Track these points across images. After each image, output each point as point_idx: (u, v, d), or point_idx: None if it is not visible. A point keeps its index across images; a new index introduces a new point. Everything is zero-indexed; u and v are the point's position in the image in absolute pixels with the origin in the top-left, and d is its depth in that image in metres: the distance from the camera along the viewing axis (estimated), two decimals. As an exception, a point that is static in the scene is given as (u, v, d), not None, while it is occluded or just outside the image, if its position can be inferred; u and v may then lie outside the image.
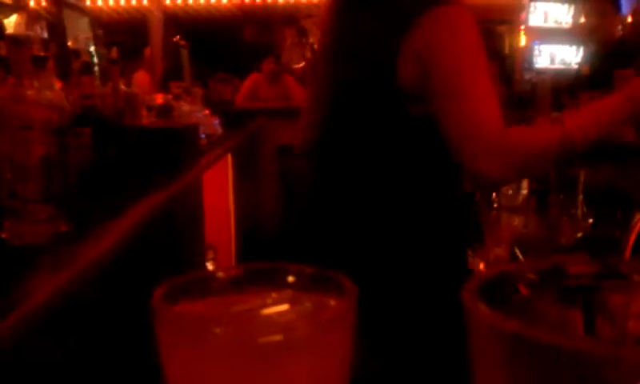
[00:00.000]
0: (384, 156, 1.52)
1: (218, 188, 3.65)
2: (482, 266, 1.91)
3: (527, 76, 7.04)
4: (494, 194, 1.96)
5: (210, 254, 3.20)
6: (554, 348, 0.27)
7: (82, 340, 1.21)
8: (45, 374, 1.03)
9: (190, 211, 2.85)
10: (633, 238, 1.26)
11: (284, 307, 0.41)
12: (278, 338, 0.36)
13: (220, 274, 0.44)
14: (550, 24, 7.53)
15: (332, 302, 0.39)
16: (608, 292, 0.41)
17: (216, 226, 3.27)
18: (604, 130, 1.47)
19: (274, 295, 0.42)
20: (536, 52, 7.62)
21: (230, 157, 3.72)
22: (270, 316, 0.41)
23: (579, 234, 1.92)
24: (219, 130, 3.84)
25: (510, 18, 8.07)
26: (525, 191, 2.28)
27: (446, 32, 1.43)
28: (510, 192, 2.09)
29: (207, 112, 3.90)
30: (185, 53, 6.18)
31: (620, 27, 3.68)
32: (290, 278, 0.43)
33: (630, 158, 2.27)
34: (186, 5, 7.98)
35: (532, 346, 0.27)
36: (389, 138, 1.50)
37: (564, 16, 7.46)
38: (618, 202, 2.04)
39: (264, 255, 0.54)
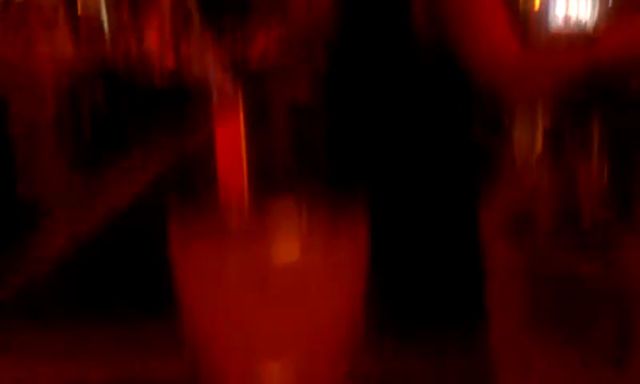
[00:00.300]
0: (394, 96, 1.52)
1: (231, 140, 3.68)
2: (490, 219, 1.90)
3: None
4: (503, 135, 1.96)
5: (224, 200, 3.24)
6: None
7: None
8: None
9: (203, 165, 2.87)
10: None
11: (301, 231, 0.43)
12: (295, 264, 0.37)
13: (240, 213, 0.46)
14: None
15: (347, 225, 0.41)
16: (619, 238, 0.42)
17: (229, 176, 3.29)
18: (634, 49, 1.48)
19: (291, 221, 0.44)
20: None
21: (241, 112, 3.75)
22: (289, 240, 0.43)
23: (597, 182, 1.89)
24: (232, 88, 3.85)
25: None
26: (538, 131, 2.26)
27: None
28: (522, 133, 2.08)
29: (219, 70, 3.90)
30: (195, 14, 6.13)
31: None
32: (307, 191, 0.44)
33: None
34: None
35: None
36: (401, 74, 1.51)
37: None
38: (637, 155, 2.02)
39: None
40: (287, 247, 0.43)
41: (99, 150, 1.80)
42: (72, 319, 1.20)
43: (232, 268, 0.37)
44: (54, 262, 1.07)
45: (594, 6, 1.76)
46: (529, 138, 2.08)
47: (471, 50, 1.47)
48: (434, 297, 1.53)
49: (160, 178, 1.70)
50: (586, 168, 1.78)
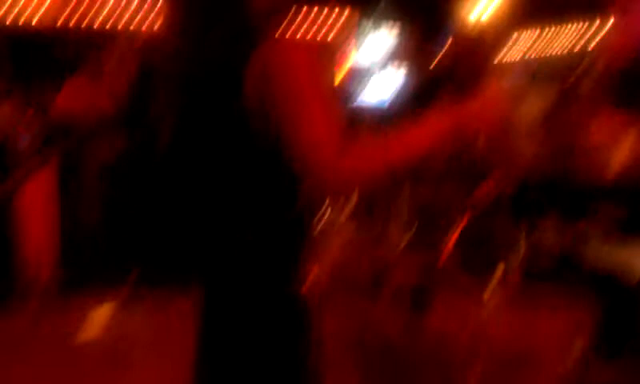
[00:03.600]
0: (228, 171, 1.54)
1: (40, 200, 3.45)
2: (315, 269, 1.97)
3: (347, 106, 7.32)
4: (326, 201, 2.05)
5: (30, 269, 3.02)
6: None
7: None
8: None
9: (5, 225, 2.67)
10: (452, 244, 1.39)
11: (120, 308, 0.42)
12: (110, 348, 0.36)
13: (49, 283, 0.44)
14: (372, 51, 7.86)
15: (174, 304, 0.41)
16: (432, 292, 0.47)
17: (37, 241, 3.08)
18: (425, 150, 1.57)
19: (109, 298, 0.42)
20: (356, 84, 7.88)
21: (52, 167, 3.54)
22: (103, 316, 0.41)
23: (404, 242, 2.05)
24: (41, 140, 3.64)
25: (333, 42, 8.33)
26: (354, 200, 2.40)
27: (282, 63, 1.48)
28: (341, 201, 2.19)
29: (28, 119, 3.68)
30: (4, 59, 5.77)
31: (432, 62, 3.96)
32: (128, 279, 0.43)
33: (446, 173, 2.46)
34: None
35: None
36: (234, 156, 1.52)
37: (385, 44, 7.84)
38: (438, 213, 2.21)
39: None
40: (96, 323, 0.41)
41: None
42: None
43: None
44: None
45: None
46: (342, 213, 2.18)
47: (291, 143, 1.51)
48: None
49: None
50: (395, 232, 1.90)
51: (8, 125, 3.39)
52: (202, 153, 1.62)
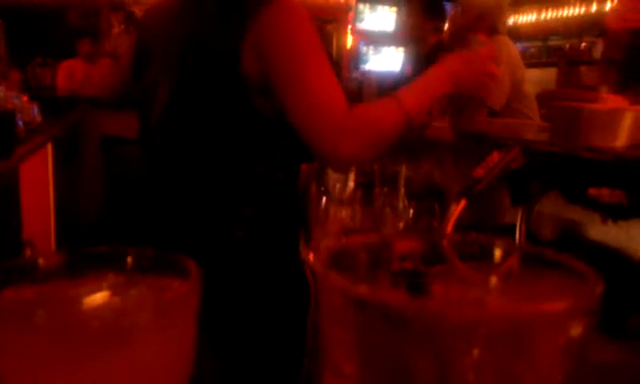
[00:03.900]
0: (225, 147, 1.53)
1: (37, 180, 3.43)
2: (311, 255, 1.97)
3: (354, 75, 7.33)
4: (322, 188, 2.03)
5: (28, 251, 3.00)
6: (397, 311, 0.29)
7: None
8: None
9: (4, 205, 2.66)
10: (449, 227, 1.37)
11: (120, 290, 0.40)
12: (111, 322, 0.34)
13: (48, 260, 0.42)
14: (376, 26, 7.89)
15: (174, 285, 0.39)
16: (429, 276, 0.44)
17: (35, 221, 3.07)
18: (431, 100, 1.58)
19: (110, 278, 0.40)
20: (362, 52, 7.95)
21: (50, 147, 3.51)
22: (104, 300, 0.40)
23: (401, 225, 2.04)
24: (39, 118, 3.61)
25: (338, 17, 8.35)
26: (351, 184, 2.38)
27: (284, 25, 1.47)
28: (338, 185, 2.17)
29: (25, 98, 3.65)
30: (0, 36, 5.72)
31: (438, 33, 3.94)
32: (128, 262, 0.41)
33: (444, 155, 2.44)
34: (1, -16, 7.39)
35: (377, 309, 0.29)
36: (231, 129, 1.52)
37: (388, 19, 7.84)
38: (435, 195, 2.19)
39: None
40: (103, 293, 0.40)
41: None
42: None
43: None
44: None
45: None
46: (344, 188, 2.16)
47: (296, 108, 1.49)
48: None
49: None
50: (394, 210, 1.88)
51: (9, 102, 3.36)
52: (200, 129, 1.61)
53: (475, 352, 0.29)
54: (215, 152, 1.55)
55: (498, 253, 0.42)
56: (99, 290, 0.40)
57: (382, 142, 1.51)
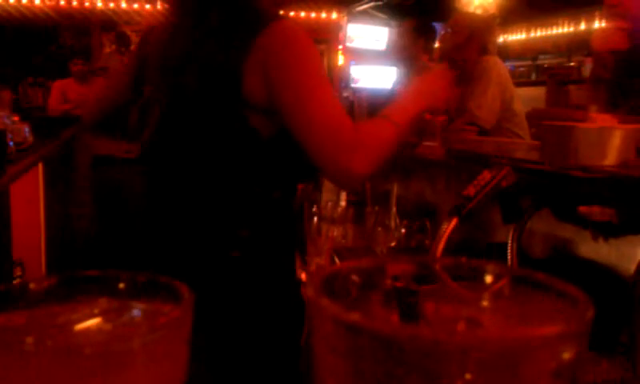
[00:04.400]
0: (222, 167, 1.53)
1: (28, 200, 3.42)
2: (303, 275, 1.97)
3: (345, 94, 7.36)
4: (314, 207, 2.03)
5: (18, 271, 2.98)
6: (389, 337, 0.29)
7: None
8: None
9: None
10: (441, 245, 1.37)
11: (111, 315, 0.39)
12: (102, 347, 0.34)
13: (39, 284, 0.42)
14: (366, 46, 7.93)
15: (166, 309, 0.38)
16: (421, 296, 0.44)
17: (25, 241, 3.05)
18: (414, 116, 1.64)
19: (101, 303, 0.40)
20: (353, 71, 7.98)
21: (41, 167, 3.50)
22: (95, 325, 0.39)
23: (393, 243, 2.04)
24: (30, 138, 3.60)
25: (329, 37, 8.40)
26: (343, 203, 2.39)
27: (289, 45, 1.50)
28: (330, 204, 2.17)
29: (16, 118, 3.65)
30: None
31: (429, 52, 3.97)
32: (120, 286, 0.41)
33: (435, 174, 2.45)
34: (-8, 3, 7.40)
35: (369, 334, 0.29)
36: (228, 149, 1.53)
37: (379, 38, 7.88)
38: (427, 213, 2.19)
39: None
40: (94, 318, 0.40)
41: None
42: None
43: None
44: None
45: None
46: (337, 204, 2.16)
47: (302, 128, 1.51)
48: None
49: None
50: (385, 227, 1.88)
51: (0, 122, 3.35)
52: (196, 148, 1.60)
53: (467, 377, 0.29)
54: (212, 172, 1.55)
55: (489, 275, 0.42)
56: (90, 315, 0.40)
57: (384, 157, 1.56)
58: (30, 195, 3.37)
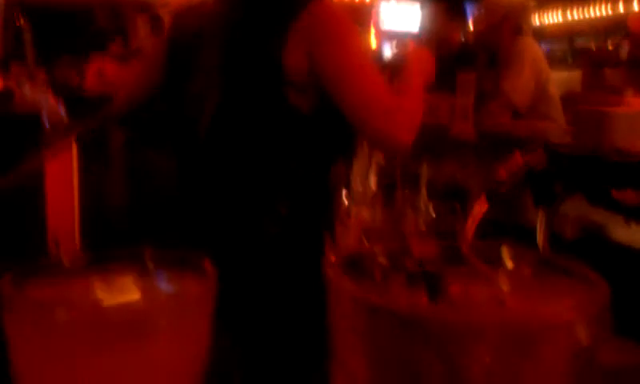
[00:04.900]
0: (263, 144, 1.57)
1: (62, 179, 3.47)
2: (332, 257, 1.97)
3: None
4: (344, 189, 2.04)
5: (54, 248, 3.05)
6: (407, 317, 0.29)
7: None
8: None
9: (30, 204, 2.70)
10: (472, 229, 1.36)
11: (137, 289, 0.41)
12: (129, 319, 0.35)
13: (71, 259, 0.43)
14: (400, 28, 7.88)
15: (191, 285, 0.39)
16: (447, 278, 0.44)
17: (60, 221, 3.11)
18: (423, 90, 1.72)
19: (128, 279, 0.41)
20: (386, 53, 7.94)
21: (75, 147, 3.56)
22: (124, 298, 0.40)
23: (422, 227, 2.03)
24: (65, 118, 3.66)
25: (362, 19, 8.35)
26: (373, 186, 2.38)
27: (327, 24, 1.55)
28: (360, 188, 2.17)
29: (51, 97, 3.70)
30: (27, 34, 5.79)
31: (462, 33, 3.93)
32: (147, 260, 0.42)
33: (467, 156, 2.43)
34: (29, -16, 7.48)
35: (387, 315, 0.29)
36: (269, 127, 1.56)
37: (412, 21, 7.81)
38: (457, 195, 2.18)
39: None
40: (123, 292, 0.41)
41: None
42: None
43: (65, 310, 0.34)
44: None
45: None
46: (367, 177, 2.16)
47: (347, 104, 1.56)
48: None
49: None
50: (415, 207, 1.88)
51: (35, 101, 3.41)
52: (242, 129, 1.63)
53: (484, 356, 0.29)
54: (253, 149, 1.58)
55: (515, 258, 0.42)
56: (118, 289, 0.41)
57: (418, 126, 1.63)
58: (65, 175, 3.43)
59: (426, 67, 1.78)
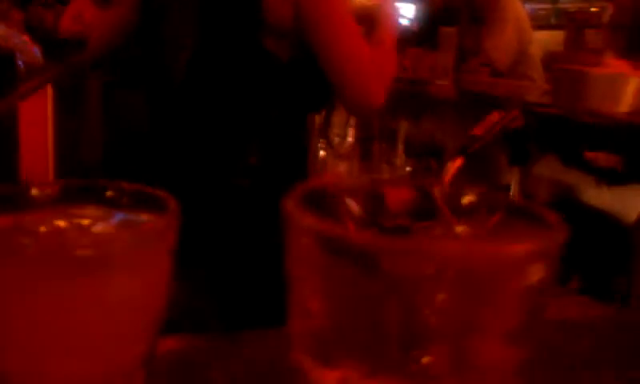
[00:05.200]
0: (236, 91, 1.54)
1: (37, 122, 3.42)
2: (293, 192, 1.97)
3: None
4: (321, 141, 2.04)
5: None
6: (361, 248, 0.30)
7: None
8: None
9: (3, 143, 2.66)
10: (446, 184, 1.37)
11: (98, 222, 0.40)
12: (87, 251, 0.35)
13: (33, 190, 0.43)
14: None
15: (150, 219, 0.39)
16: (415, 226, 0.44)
17: (33, 162, 3.08)
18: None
19: (89, 210, 0.41)
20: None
21: (50, 89, 3.50)
22: (81, 230, 0.40)
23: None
24: (40, 60, 3.58)
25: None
26: (350, 139, 2.39)
27: None
28: (337, 139, 2.18)
29: (26, 38, 3.62)
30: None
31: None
32: (108, 194, 0.42)
33: (445, 113, 2.44)
34: None
35: (342, 247, 0.29)
36: (244, 73, 1.53)
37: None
38: (435, 153, 2.19)
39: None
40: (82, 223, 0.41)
41: None
42: None
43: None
44: None
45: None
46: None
47: (326, 57, 1.55)
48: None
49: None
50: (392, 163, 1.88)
51: (9, 42, 3.34)
52: (217, 74, 1.60)
53: (437, 292, 0.30)
54: (226, 95, 1.55)
55: (485, 206, 0.42)
56: (77, 220, 0.41)
57: (391, 82, 1.62)
58: (39, 118, 3.38)
59: (395, 20, 1.78)
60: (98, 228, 0.40)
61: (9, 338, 0.38)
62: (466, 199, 0.45)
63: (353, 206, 0.44)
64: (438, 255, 0.30)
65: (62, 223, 0.40)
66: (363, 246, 0.30)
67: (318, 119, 2.27)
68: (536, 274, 0.30)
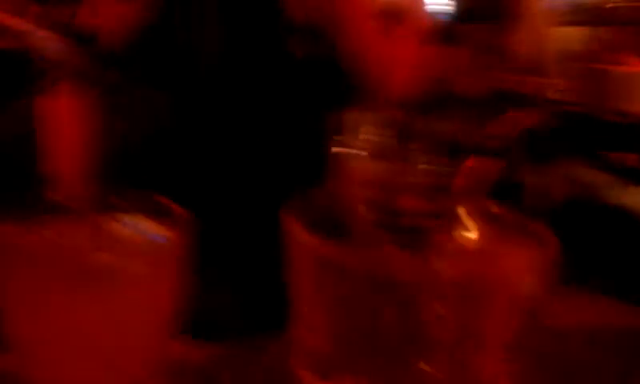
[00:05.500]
0: (254, 89, 1.54)
1: (55, 117, 3.44)
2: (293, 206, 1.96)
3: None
4: (341, 141, 2.02)
5: (41, 186, 3.04)
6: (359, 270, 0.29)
7: None
8: None
9: (20, 139, 2.68)
10: (461, 183, 1.36)
11: (113, 231, 0.40)
12: (101, 260, 0.35)
13: (47, 197, 0.43)
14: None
15: (165, 230, 0.39)
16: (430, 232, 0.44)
17: (53, 161, 3.09)
18: None
19: (103, 219, 0.41)
20: None
21: (69, 83, 3.51)
22: (96, 239, 0.41)
23: (416, 179, 2.03)
24: (58, 55, 3.60)
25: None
26: (371, 138, 2.37)
27: None
28: (357, 139, 2.16)
29: (44, 33, 3.64)
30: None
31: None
32: (122, 203, 0.42)
33: (469, 112, 2.41)
34: None
35: (342, 264, 0.29)
36: (262, 70, 1.53)
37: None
38: (458, 153, 2.17)
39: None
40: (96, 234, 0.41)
41: None
42: None
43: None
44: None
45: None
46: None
47: (347, 49, 1.55)
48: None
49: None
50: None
51: (27, 37, 3.36)
52: (238, 70, 1.61)
53: (434, 305, 0.30)
54: (247, 96, 1.56)
55: (484, 215, 0.42)
56: (93, 229, 0.41)
57: (416, 79, 1.62)
58: (57, 112, 3.40)
59: (422, 16, 1.76)
60: (113, 237, 0.40)
61: (25, 345, 0.38)
62: (466, 209, 0.44)
63: (362, 209, 0.44)
64: (436, 272, 0.30)
65: (77, 232, 0.40)
66: (359, 263, 0.30)
67: (337, 119, 2.25)
68: (528, 285, 0.30)
